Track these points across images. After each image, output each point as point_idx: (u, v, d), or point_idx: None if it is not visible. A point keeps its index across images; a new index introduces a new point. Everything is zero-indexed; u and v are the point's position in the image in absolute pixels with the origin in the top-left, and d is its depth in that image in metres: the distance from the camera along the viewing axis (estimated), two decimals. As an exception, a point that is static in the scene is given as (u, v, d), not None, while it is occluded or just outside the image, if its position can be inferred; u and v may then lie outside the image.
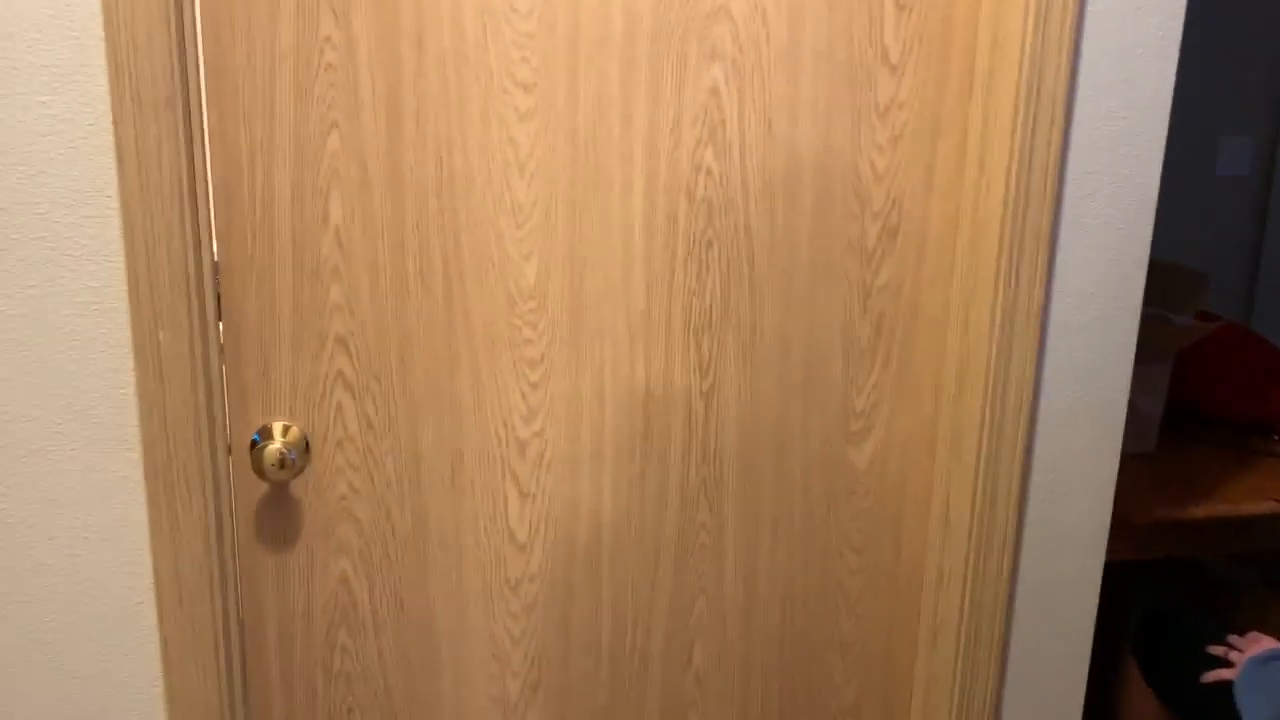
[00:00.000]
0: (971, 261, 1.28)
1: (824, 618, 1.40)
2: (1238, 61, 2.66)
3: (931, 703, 1.41)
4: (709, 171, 1.22)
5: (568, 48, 1.16)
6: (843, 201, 1.26)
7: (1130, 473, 1.78)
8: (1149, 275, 1.33)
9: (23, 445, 1.06)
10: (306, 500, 1.21)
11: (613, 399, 1.26)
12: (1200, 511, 1.68)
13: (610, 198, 1.21)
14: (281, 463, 1.15)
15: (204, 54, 1.08)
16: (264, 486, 1.20)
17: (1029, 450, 1.33)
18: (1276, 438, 1.94)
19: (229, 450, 1.17)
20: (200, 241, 1.06)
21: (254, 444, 1.17)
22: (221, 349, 1.14)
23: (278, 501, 1.21)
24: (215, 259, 1.12)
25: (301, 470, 1.19)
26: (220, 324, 1.14)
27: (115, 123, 1.00)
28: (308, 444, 1.19)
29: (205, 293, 1.08)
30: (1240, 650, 1.54)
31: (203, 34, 1.08)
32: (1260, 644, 1.51)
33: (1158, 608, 1.78)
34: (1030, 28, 1.18)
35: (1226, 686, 1.50)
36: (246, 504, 1.20)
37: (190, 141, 1.03)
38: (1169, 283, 1.83)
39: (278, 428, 1.18)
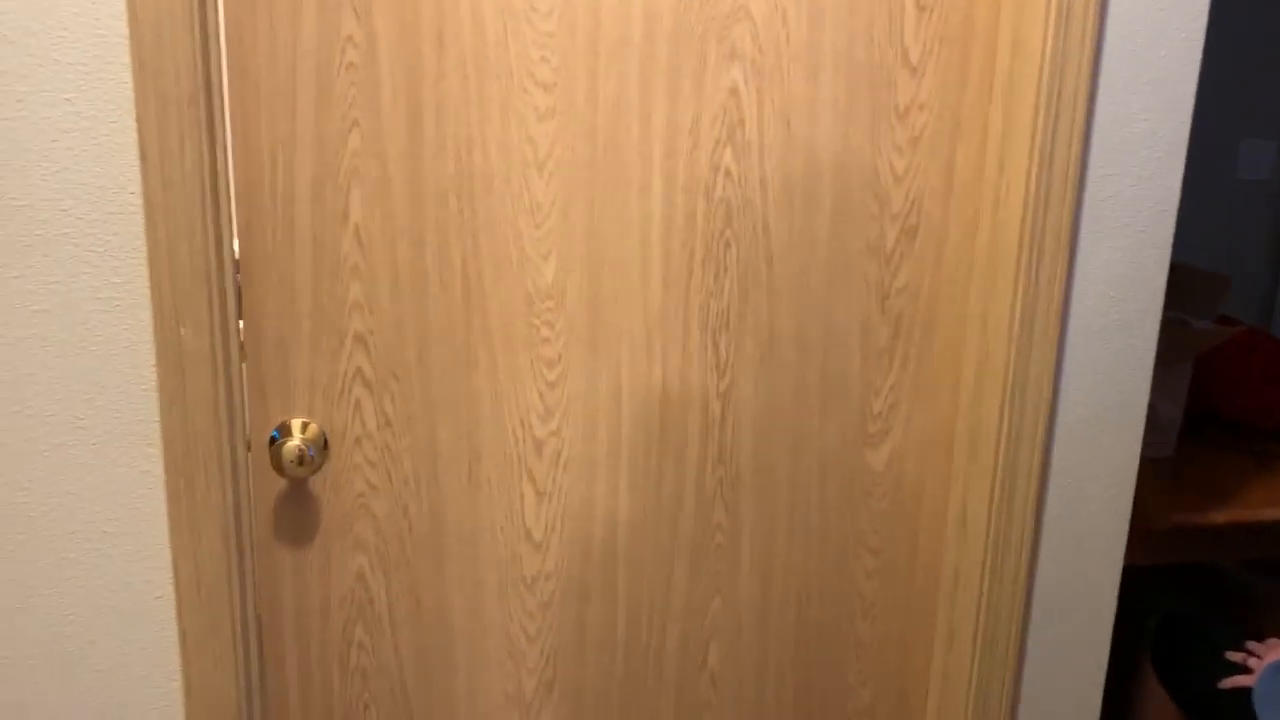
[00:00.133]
0: (991, 263, 1.27)
1: (840, 619, 1.40)
2: (1259, 65, 2.64)
3: (947, 706, 1.40)
4: (728, 172, 1.22)
5: (588, 47, 1.16)
6: (861, 202, 1.26)
7: (1149, 477, 1.77)
8: (1169, 278, 1.32)
9: (45, 440, 1.07)
10: (324, 497, 1.22)
11: (630, 399, 1.27)
12: (1219, 517, 1.66)
13: (629, 197, 1.21)
14: (300, 459, 1.15)
15: (226, 52, 1.09)
16: (282, 483, 1.21)
17: (1047, 453, 1.33)
18: (1297, 443, 1.92)
19: (248, 446, 1.18)
20: (221, 238, 1.06)
21: (273, 440, 1.18)
22: (242, 346, 1.15)
23: (296, 498, 1.21)
24: (236, 256, 1.13)
25: (320, 467, 1.20)
26: (240, 321, 1.15)
27: (139, 120, 1.01)
28: (326, 441, 1.20)
29: (226, 289, 1.08)
30: (1259, 657, 1.53)
31: (225, 32, 1.08)
32: (1279, 650, 1.50)
33: (1176, 613, 1.77)
34: (1052, 29, 1.17)
35: (1245, 693, 1.49)
36: (265, 500, 1.21)
37: (213, 139, 1.04)
38: (1189, 286, 1.81)
39: (296, 425, 1.18)
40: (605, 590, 1.32)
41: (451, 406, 1.22)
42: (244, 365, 1.16)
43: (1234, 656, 1.57)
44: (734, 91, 1.20)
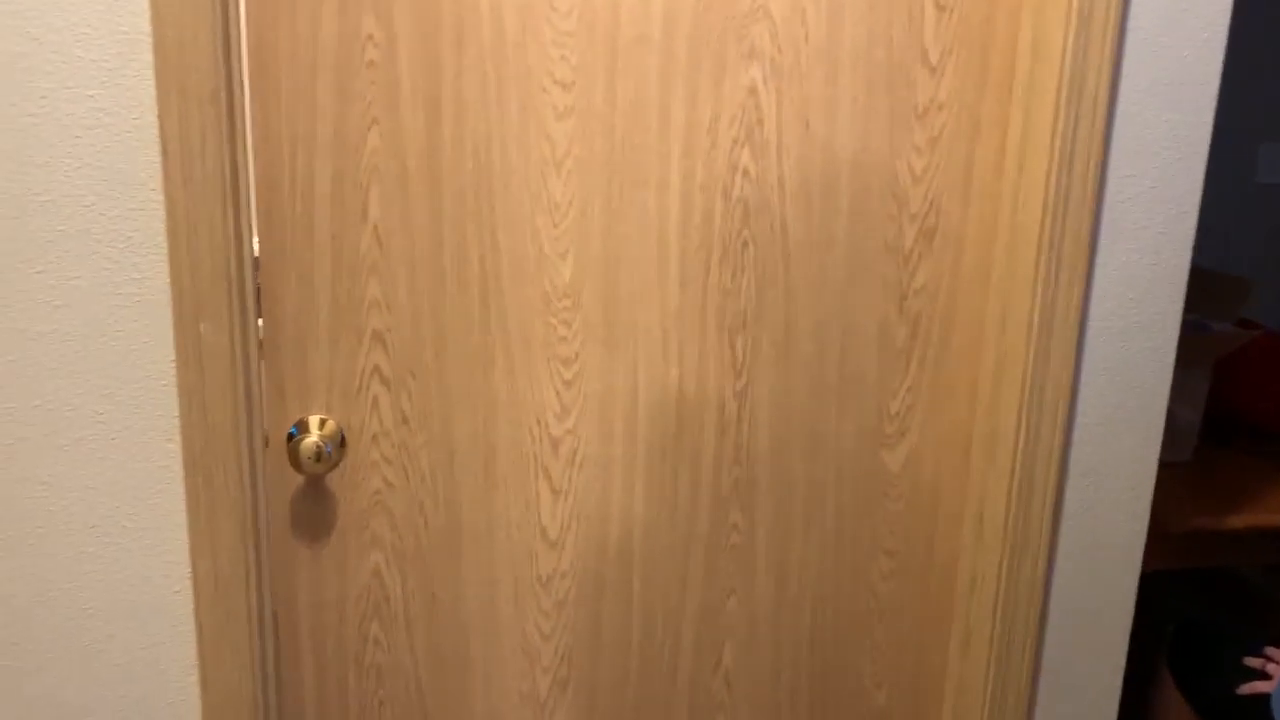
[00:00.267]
0: (1009, 265, 1.27)
1: (855, 621, 1.39)
2: (1279, 69, 2.62)
3: (962, 709, 1.40)
4: (745, 171, 1.22)
5: (606, 46, 1.16)
6: (880, 203, 1.26)
7: (1167, 481, 1.76)
8: (1189, 281, 1.31)
9: (65, 434, 1.08)
10: (341, 494, 1.22)
11: (646, 398, 1.27)
12: (1238, 522, 1.65)
13: (647, 197, 1.21)
14: (318, 456, 1.16)
15: (247, 50, 1.09)
16: (300, 479, 1.21)
17: (1065, 456, 1.32)
18: (1317, 448, 1.91)
19: (266, 443, 1.18)
20: (241, 235, 1.07)
21: (291, 437, 1.18)
22: (260, 342, 1.15)
23: (313, 494, 1.22)
24: (255, 253, 1.14)
25: (337, 464, 1.20)
26: (259, 318, 1.15)
27: (160, 116, 1.01)
28: (343, 438, 1.20)
29: (246, 286, 1.09)
30: (1278, 663, 1.52)
31: (246, 30, 1.09)
32: (1299, 657, 1.49)
33: (1193, 619, 1.75)
34: (1072, 29, 1.17)
35: (1263, 699, 1.48)
36: (282, 496, 1.21)
37: (233, 136, 1.04)
38: (1209, 289, 1.80)
39: (314, 421, 1.19)
40: (620, 589, 1.32)
41: (468, 404, 1.22)
42: (263, 362, 1.17)
43: (1252, 662, 1.56)
44: (752, 91, 1.20)
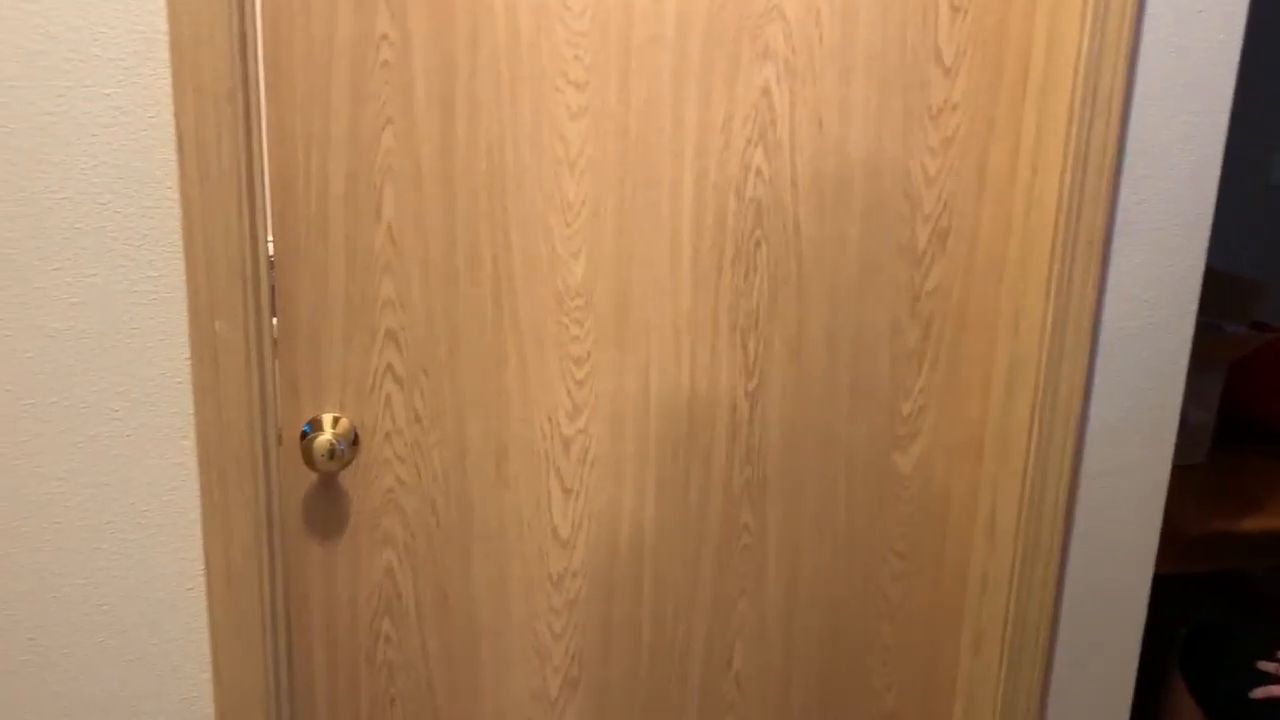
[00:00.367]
0: (1023, 266, 1.26)
1: (866, 622, 1.39)
2: (1295, 69, 2.61)
3: (973, 712, 1.39)
4: (759, 171, 1.22)
5: (620, 46, 1.16)
6: (893, 203, 1.25)
7: (1180, 484, 1.75)
8: (1202, 284, 1.31)
9: (80, 431, 1.08)
10: (354, 491, 1.23)
11: (657, 397, 1.27)
12: (1251, 524, 1.64)
13: (659, 196, 1.21)
14: (331, 454, 1.16)
15: (263, 49, 1.10)
16: (313, 477, 1.22)
17: (1078, 458, 1.32)
18: (1331, 452, 1.90)
19: (280, 440, 1.19)
20: (257, 233, 1.07)
21: (304, 435, 1.19)
22: (275, 340, 1.16)
23: (326, 492, 1.22)
24: (270, 252, 1.14)
25: (350, 462, 1.21)
26: (274, 316, 1.16)
27: (177, 114, 1.02)
28: (356, 436, 1.21)
29: (260, 284, 1.09)
30: (1291, 667, 1.51)
31: (262, 29, 1.09)
32: (1312, 661, 1.48)
33: (1206, 622, 1.75)
34: (1087, 30, 1.17)
35: (1277, 703, 1.47)
36: (295, 494, 1.22)
37: (249, 135, 1.05)
38: (1222, 292, 1.80)
39: (328, 419, 1.19)
40: (631, 589, 1.32)
41: (480, 403, 1.23)
42: (277, 360, 1.17)
43: (1266, 666, 1.55)
44: (766, 91, 1.20)
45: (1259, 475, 1.82)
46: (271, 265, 1.14)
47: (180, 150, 1.03)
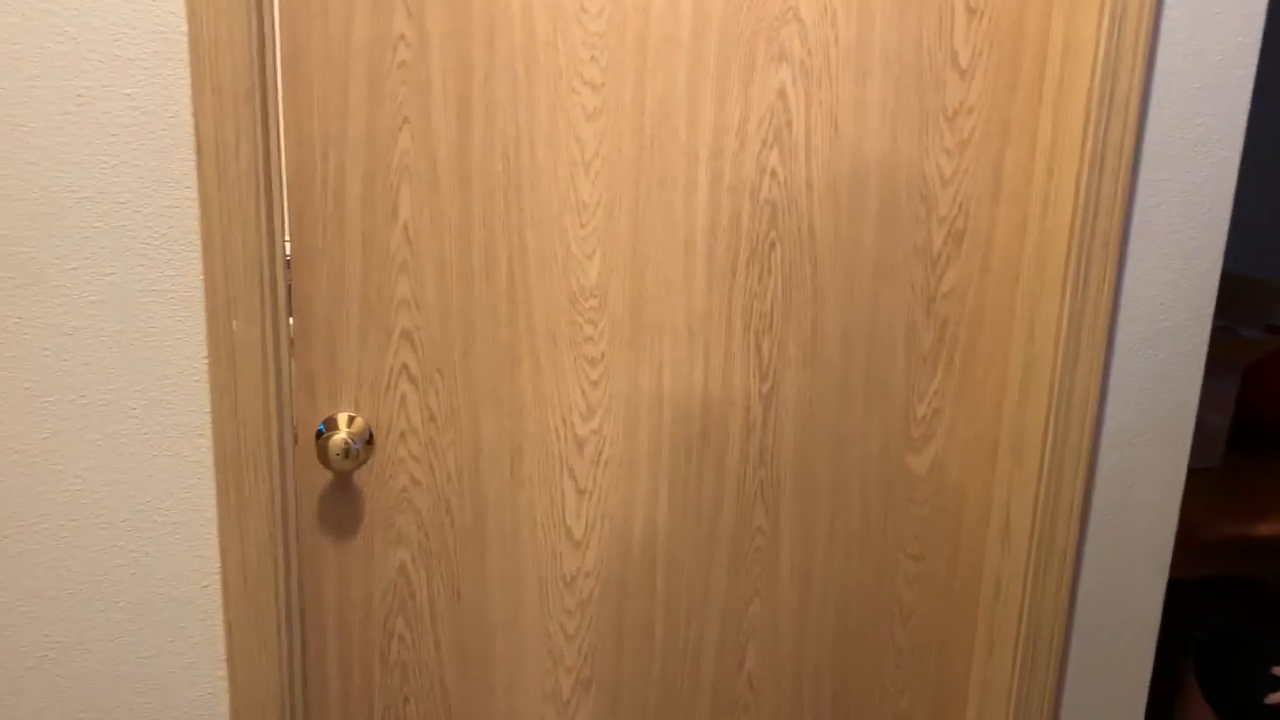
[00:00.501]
0: (1038, 269, 1.26)
1: (879, 624, 1.39)
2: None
3: (986, 715, 1.39)
4: (774, 173, 1.22)
5: (636, 47, 1.16)
6: (908, 205, 1.25)
7: (1195, 487, 1.74)
8: (1218, 287, 1.30)
9: (98, 429, 1.09)
10: (368, 491, 1.23)
11: (671, 399, 1.27)
12: (1266, 529, 1.64)
13: (674, 197, 1.21)
14: (346, 453, 1.16)
15: (281, 49, 1.10)
16: (328, 476, 1.22)
17: (1093, 461, 1.31)
18: (1348, 457, 1.89)
19: (295, 439, 1.19)
20: (274, 233, 1.08)
21: (320, 434, 1.19)
22: (291, 340, 1.16)
23: (341, 491, 1.23)
24: (287, 251, 1.15)
25: (365, 461, 1.21)
26: (290, 315, 1.16)
27: (195, 115, 1.02)
28: (371, 435, 1.21)
29: (277, 283, 1.10)
30: (1307, 673, 1.50)
31: (280, 30, 1.10)
32: (1328, 667, 1.47)
33: (1221, 626, 1.74)
34: (1104, 32, 1.16)
35: (1292, 709, 1.47)
36: (310, 492, 1.22)
37: (267, 135, 1.05)
38: (1238, 294, 1.79)
39: (343, 418, 1.20)
40: (644, 590, 1.32)
41: (494, 403, 1.23)
42: (293, 359, 1.18)
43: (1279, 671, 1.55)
44: (782, 93, 1.20)
45: (1274, 479, 1.81)
46: (288, 265, 1.15)
47: (199, 150, 1.03)
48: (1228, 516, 1.66)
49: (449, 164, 1.16)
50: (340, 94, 1.12)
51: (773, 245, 1.24)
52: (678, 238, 1.22)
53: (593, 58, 1.16)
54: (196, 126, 1.03)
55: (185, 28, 1.01)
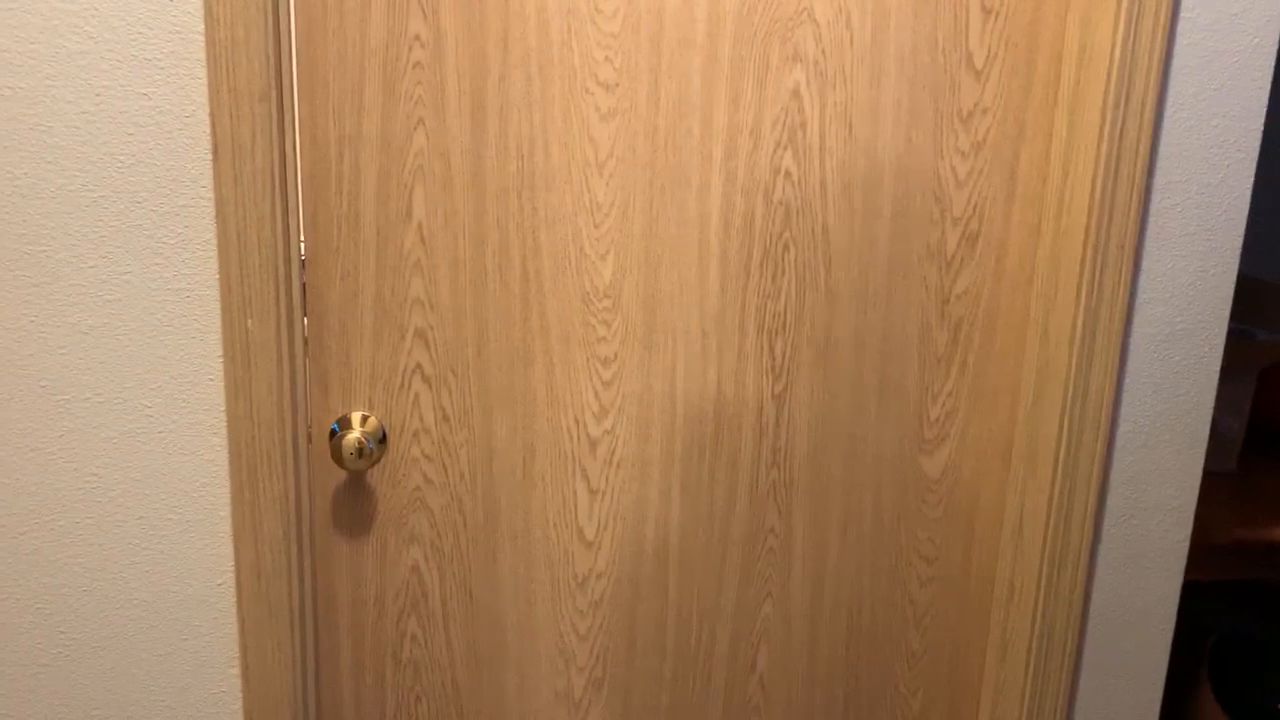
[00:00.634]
0: (1053, 271, 1.26)
1: (891, 626, 1.38)
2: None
3: (999, 718, 1.39)
4: (788, 174, 1.22)
5: (650, 48, 1.16)
6: (923, 207, 1.25)
7: (1210, 491, 1.73)
8: (1234, 289, 1.30)
9: (114, 427, 1.10)
10: (381, 490, 1.23)
11: (684, 399, 1.27)
12: (1282, 534, 1.63)
13: (688, 198, 1.21)
14: (360, 452, 1.17)
15: (297, 50, 1.11)
16: (341, 475, 1.22)
17: (1107, 464, 1.31)
18: (1364, 461, 1.88)
19: (309, 439, 1.19)
20: (290, 233, 1.08)
21: (333, 433, 1.20)
22: (305, 339, 1.17)
23: (354, 490, 1.23)
24: (302, 250, 1.15)
25: (378, 460, 1.21)
26: (305, 315, 1.17)
27: (212, 114, 1.03)
28: (384, 434, 1.21)
29: (292, 282, 1.10)
30: (1322, 678, 1.49)
31: (296, 30, 1.10)
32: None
33: (1235, 631, 1.73)
34: (1120, 33, 1.16)
35: (1307, 715, 1.46)
36: (324, 491, 1.23)
37: (283, 135, 1.06)
38: (1255, 297, 1.78)
39: (356, 418, 1.20)
40: (656, 591, 1.32)
41: (508, 403, 1.23)
42: (307, 358, 1.18)
43: (1296, 677, 1.54)
44: (796, 94, 1.20)
45: (1290, 484, 1.80)
46: (303, 264, 1.15)
47: (215, 150, 1.04)
48: (1243, 520, 1.65)
49: (463, 164, 1.16)
50: (355, 94, 1.12)
51: (786, 246, 1.24)
52: (691, 238, 1.22)
53: (607, 58, 1.16)
54: (213, 126, 1.03)
55: (202, 28, 1.02)
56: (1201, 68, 1.21)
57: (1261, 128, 1.24)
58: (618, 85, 1.17)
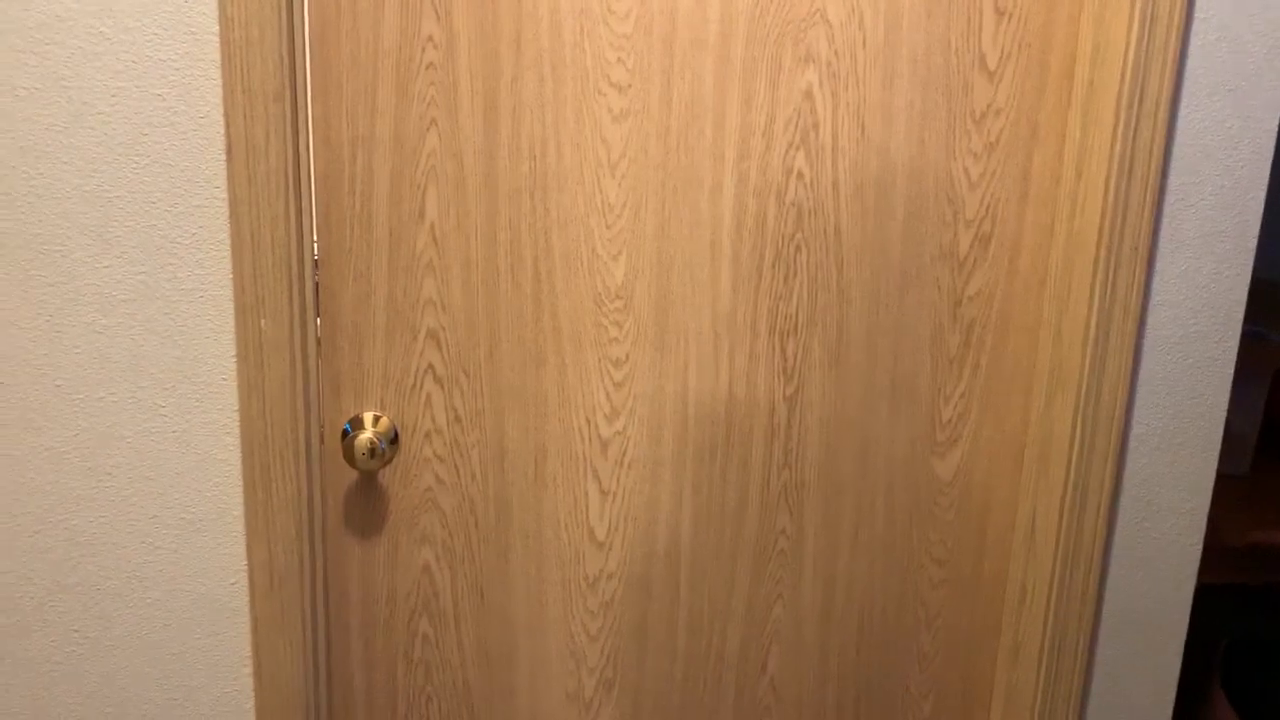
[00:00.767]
0: (1066, 272, 1.25)
1: (902, 629, 1.38)
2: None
3: (1010, 721, 1.38)
4: (800, 175, 1.22)
5: (663, 49, 1.16)
6: (935, 208, 1.25)
7: (1223, 494, 1.73)
8: (1249, 291, 1.29)
9: (129, 426, 1.10)
10: (393, 490, 1.24)
11: (695, 400, 1.27)
12: (1296, 537, 1.62)
13: (700, 199, 1.21)
14: (372, 452, 1.17)
15: (310, 51, 1.11)
16: (353, 475, 1.23)
17: (1120, 467, 1.30)
18: (1379, 464, 1.86)
19: (322, 439, 1.20)
20: (303, 233, 1.09)
21: (345, 433, 1.20)
22: (318, 339, 1.17)
23: (366, 490, 1.23)
24: (315, 251, 1.15)
25: (390, 460, 1.22)
26: (317, 315, 1.17)
27: (226, 115, 1.03)
28: (396, 435, 1.22)
29: (305, 283, 1.10)
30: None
31: (310, 31, 1.11)
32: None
33: (1248, 636, 1.72)
34: (1134, 33, 1.15)
35: (1322, 719, 1.45)
36: (336, 492, 1.23)
37: (296, 135, 1.06)
38: (1269, 299, 1.77)
39: (368, 418, 1.20)
40: (667, 592, 1.32)
41: (519, 403, 1.23)
42: (320, 358, 1.18)
43: (1310, 681, 1.53)
44: (809, 95, 1.20)
45: (1304, 487, 1.79)
46: (316, 264, 1.16)
47: (229, 150, 1.04)
48: (1256, 523, 1.64)
49: (476, 165, 1.16)
50: (369, 95, 1.13)
51: (799, 247, 1.24)
52: (703, 239, 1.22)
53: (619, 59, 1.16)
54: (227, 127, 1.04)
55: (216, 29, 1.02)
56: (1216, 68, 1.20)
57: (1277, 129, 1.24)
58: (630, 86, 1.17)
